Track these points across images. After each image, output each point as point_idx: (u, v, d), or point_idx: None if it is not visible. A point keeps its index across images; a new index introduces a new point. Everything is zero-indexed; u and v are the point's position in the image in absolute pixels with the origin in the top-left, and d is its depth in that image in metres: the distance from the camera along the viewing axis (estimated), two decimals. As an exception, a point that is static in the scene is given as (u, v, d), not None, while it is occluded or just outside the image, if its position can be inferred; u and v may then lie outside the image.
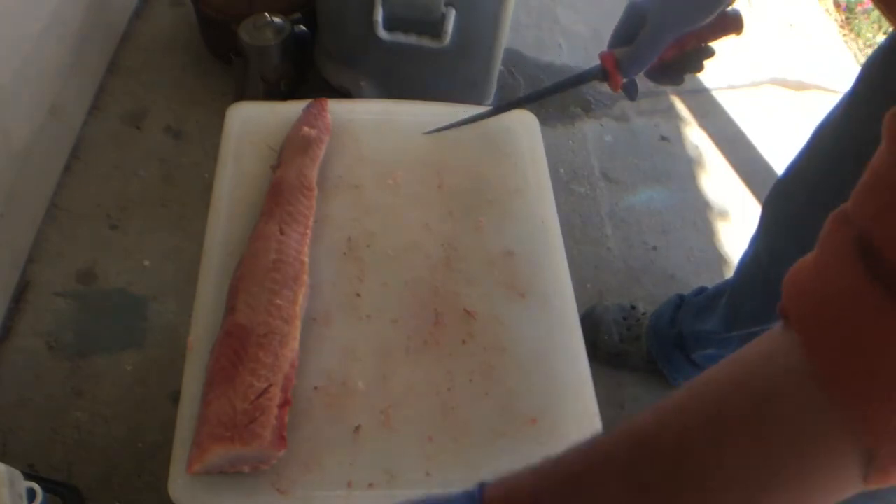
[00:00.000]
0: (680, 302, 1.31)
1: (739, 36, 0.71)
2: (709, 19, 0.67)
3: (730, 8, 0.69)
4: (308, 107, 0.84)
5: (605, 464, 0.35)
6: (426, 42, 1.42)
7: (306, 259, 0.69)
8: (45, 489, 0.86)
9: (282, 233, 0.70)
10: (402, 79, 1.53)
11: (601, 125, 1.78)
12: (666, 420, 0.34)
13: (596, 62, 0.75)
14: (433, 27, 1.40)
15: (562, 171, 1.66)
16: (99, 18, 1.60)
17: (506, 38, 1.48)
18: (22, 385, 1.22)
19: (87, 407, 1.21)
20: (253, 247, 0.69)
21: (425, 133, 0.84)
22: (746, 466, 0.31)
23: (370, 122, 0.86)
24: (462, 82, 1.55)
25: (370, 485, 0.59)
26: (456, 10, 1.38)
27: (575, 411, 0.66)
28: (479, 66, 1.52)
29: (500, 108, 0.86)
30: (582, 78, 0.78)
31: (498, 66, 1.55)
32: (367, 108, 0.91)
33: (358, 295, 0.71)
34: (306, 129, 0.79)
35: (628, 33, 0.71)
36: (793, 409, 0.31)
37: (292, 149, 0.78)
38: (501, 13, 1.40)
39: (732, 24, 0.70)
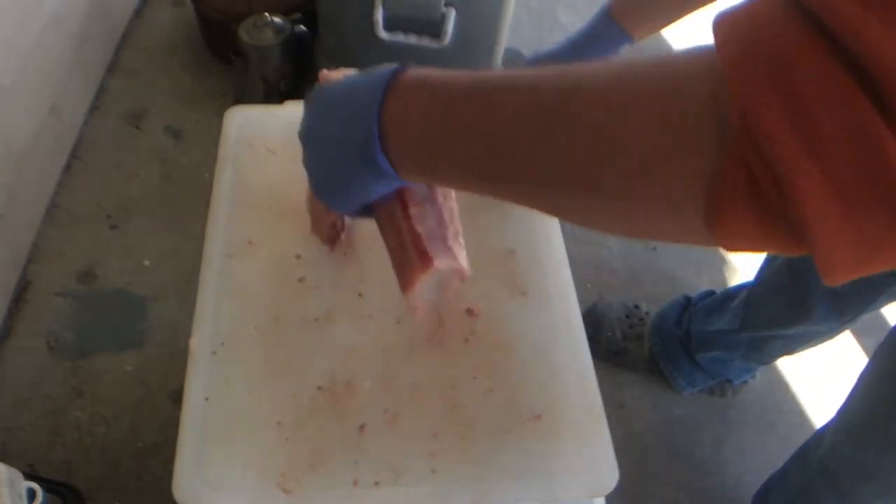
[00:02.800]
0: (686, 303, 1.31)
1: None
2: None
3: None
4: None
5: (510, 81, 0.39)
6: (426, 42, 1.42)
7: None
8: (45, 489, 0.86)
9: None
10: (402, 79, 1.53)
11: (601, 125, 1.78)
12: (584, 71, 0.35)
13: None
14: (433, 27, 1.40)
15: (561, 171, 1.67)
16: (99, 18, 1.60)
17: (506, 38, 1.48)
18: (22, 385, 1.22)
19: (87, 407, 1.21)
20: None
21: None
22: (605, 137, 0.33)
23: (372, 122, 0.86)
24: (462, 82, 1.55)
25: (376, 483, 0.59)
26: (456, 10, 1.38)
27: (579, 407, 0.66)
28: (479, 66, 1.53)
29: None
30: None
31: (498, 67, 1.55)
32: (369, 107, 0.91)
33: (360, 295, 0.71)
34: None
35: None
36: (687, 109, 0.30)
37: None
38: (501, 13, 1.40)
39: None
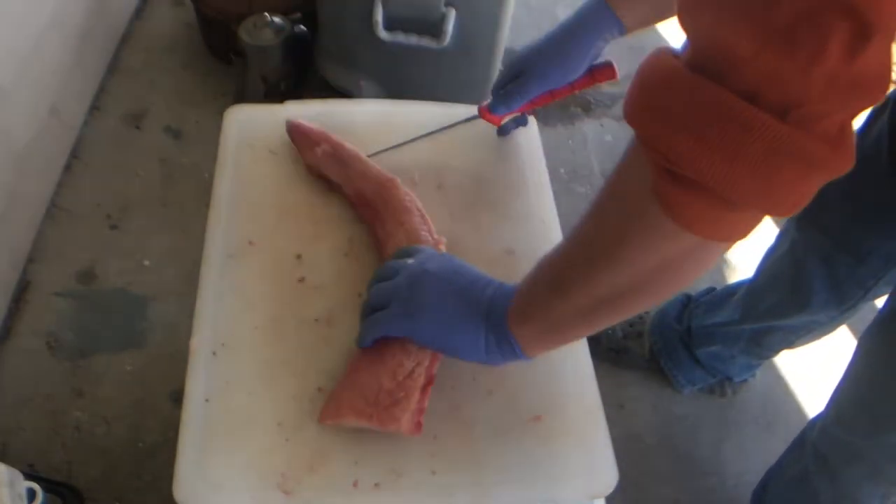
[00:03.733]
0: (687, 301, 1.31)
1: (616, 81, 0.77)
2: (577, 76, 0.73)
3: (602, 60, 0.75)
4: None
5: (540, 269, 0.55)
6: (426, 42, 1.42)
7: (434, 232, 0.71)
8: (45, 489, 0.86)
9: (402, 223, 0.71)
10: (402, 79, 1.53)
11: (601, 125, 1.78)
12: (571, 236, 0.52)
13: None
14: (433, 27, 1.40)
15: (562, 171, 1.67)
16: (99, 18, 1.60)
17: (506, 38, 1.48)
18: (22, 385, 1.22)
19: (87, 407, 1.21)
20: (388, 246, 0.69)
21: (369, 155, 0.79)
22: (591, 241, 0.49)
23: (370, 123, 0.86)
24: (462, 82, 1.55)
25: (376, 484, 0.59)
26: (456, 10, 1.38)
27: (578, 408, 0.66)
28: (479, 66, 1.52)
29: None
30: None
31: (498, 66, 1.55)
32: (367, 108, 0.91)
33: (360, 295, 0.71)
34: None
35: (505, 81, 0.77)
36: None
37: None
38: (501, 13, 1.40)
39: (605, 73, 0.75)
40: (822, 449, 1.00)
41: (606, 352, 1.36)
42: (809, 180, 0.38)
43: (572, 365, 0.69)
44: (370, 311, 0.61)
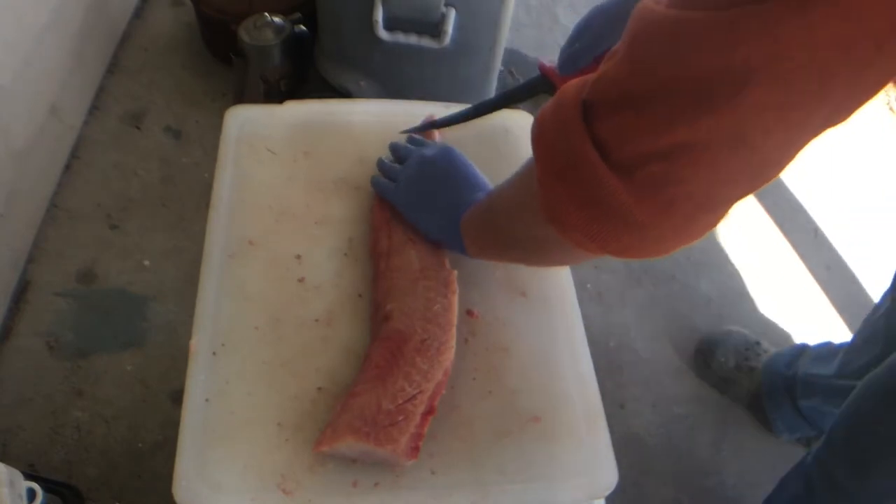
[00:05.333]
0: (802, 350, 1.31)
1: None
2: None
3: None
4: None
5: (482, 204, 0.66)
6: (426, 42, 1.42)
7: (447, 261, 0.71)
8: (45, 489, 0.86)
9: (413, 240, 0.72)
10: (402, 79, 1.53)
11: (601, 125, 1.78)
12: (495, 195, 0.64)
13: None
14: (433, 27, 1.40)
15: (561, 171, 1.66)
16: (99, 18, 1.60)
17: (506, 38, 1.48)
18: (22, 385, 1.22)
19: (87, 407, 1.21)
20: (393, 260, 0.70)
21: (401, 132, 0.83)
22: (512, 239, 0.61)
23: (370, 123, 0.86)
24: (462, 82, 1.55)
25: (375, 484, 0.59)
26: (456, 10, 1.38)
27: (578, 408, 0.66)
28: (479, 66, 1.52)
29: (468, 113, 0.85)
30: (524, 90, 0.80)
31: (498, 66, 1.55)
32: (367, 108, 0.91)
33: (360, 295, 0.71)
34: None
35: (572, 42, 0.76)
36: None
37: None
38: (501, 13, 1.40)
39: None
40: (813, 480, 1.01)
41: (715, 379, 1.36)
42: (634, 237, 0.45)
43: (572, 365, 0.69)
44: (384, 175, 0.77)
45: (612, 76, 0.41)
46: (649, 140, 0.39)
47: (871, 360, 1.09)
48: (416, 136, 0.82)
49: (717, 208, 0.44)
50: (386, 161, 0.80)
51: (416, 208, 0.73)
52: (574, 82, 0.46)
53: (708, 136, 0.38)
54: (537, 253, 0.60)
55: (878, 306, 1.14)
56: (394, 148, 0.81)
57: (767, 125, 0.36)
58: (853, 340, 1.17)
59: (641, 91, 0.39)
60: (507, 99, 0.80)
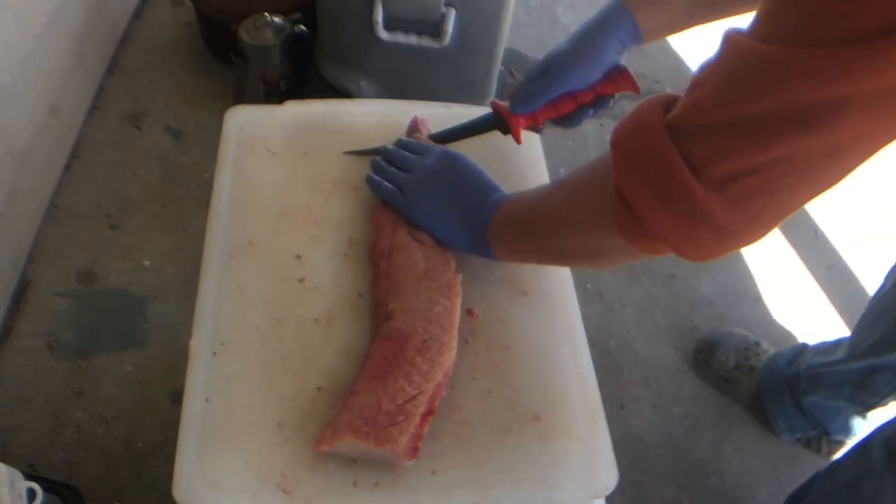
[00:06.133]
0: (802, 349, 1.31)
1: (638, 94, 0.76)
2: (595, 78, 0.74)
3: (618, 65, 0.74)
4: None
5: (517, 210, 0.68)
6: (426, 42, 1.42)
7: (453, 263, 0.71)
8: (45, 489, 0.86)
9: (418, 241, 0.71)
10: (402, 79, 1.53)
11: (601, 125, 1.78)
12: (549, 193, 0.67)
13: None
14: (433, 27, 1.40)
15: (562, 171, 1.66)
16: (99, 18, 1.60)
17: (506, 38, 1.48)
18: (22, 385, 1.22)
19: (87, 407, 1.21)
20: (396, 258, 0.70)
21: (345, 153, 0.83)
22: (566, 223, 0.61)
23: (370, 123, 0.86)
24: (462, 82, 1.55)
25: (375, 484, 0.59)
26: (456, 10, 1.38)
27: (578, 408, 0.66)
28: (479, 66, 1.53)
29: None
30: (477, 126, 0.82)
31: (498, 66, 1.55)
32: (367, 108, 0.91)
33: (360, 296, 0.71)
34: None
35: (527, 83, 0.77)
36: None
37: None
38: (501, 13, 1.40)
39: (626, 80, 0.75)
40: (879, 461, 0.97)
41: (715, 378, 1.36)
42: (719, 243, 0.49)
43: (572, 365, 0.69)
44: (386, 179, 0.76)
45: (710, 104, 0.45)
46: (746, 159, 0.43)
47: (887, 333, 1.09)
48: (412, 141, 0.80)
49: (794, 211, 0.48)
50: (383, 163, 0.78)
51: (431, 218, 0.72)
52: (647, 105, 0.50)
53: (804, 153, 0.42)
54: (587, 258, 0.65)
55: (882, 287, 1.14)
56: (390, 157, 0.78)
57: (858, 143, 0.41)
58: (859, 324, 1.17)
59: (740, 116, 0.43)
60: (460, 133, 0.82)
